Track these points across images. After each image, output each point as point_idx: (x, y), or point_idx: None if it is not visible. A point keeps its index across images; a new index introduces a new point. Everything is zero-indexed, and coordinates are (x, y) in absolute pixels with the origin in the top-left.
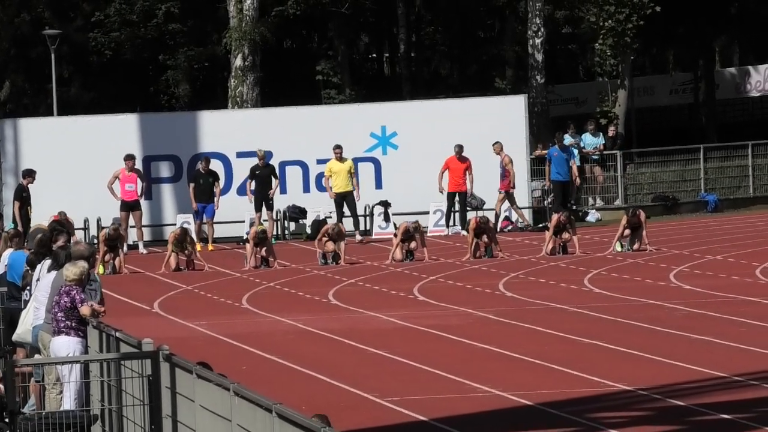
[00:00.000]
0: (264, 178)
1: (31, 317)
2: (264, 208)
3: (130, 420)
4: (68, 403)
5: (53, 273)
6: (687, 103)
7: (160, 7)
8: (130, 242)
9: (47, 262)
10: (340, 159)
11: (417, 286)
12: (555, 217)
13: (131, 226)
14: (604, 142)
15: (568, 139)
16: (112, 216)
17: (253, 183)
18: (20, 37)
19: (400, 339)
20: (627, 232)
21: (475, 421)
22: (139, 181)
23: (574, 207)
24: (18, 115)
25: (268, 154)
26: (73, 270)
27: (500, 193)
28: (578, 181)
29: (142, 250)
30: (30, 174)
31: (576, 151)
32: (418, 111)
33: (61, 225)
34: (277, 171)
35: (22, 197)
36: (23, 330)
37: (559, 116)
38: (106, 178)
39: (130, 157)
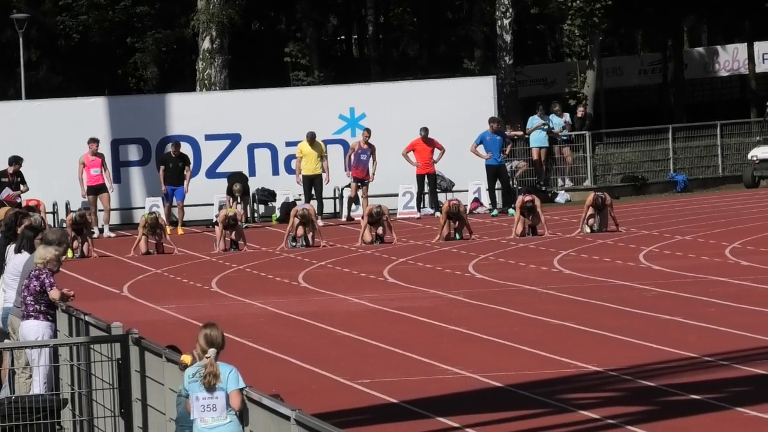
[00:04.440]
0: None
1: (1, 301)
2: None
3: (100, 404)
4: (37, 387)
5: (20, 256)
6: (656, 84)
7: None
8: (100, 226)
9: (13, 245)
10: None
11: (387, 269)
12: (520, 198)
13: (99, 210)
14: (570, 121)
15: (537, 120)
16: (81, 200)
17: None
18: None
19: (371, 321)
20: (593, 220)
21: (446, 402)
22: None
23: (543, 188)
24: None
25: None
26: (44, 254)
27: (356, 181)
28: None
29: (107, 233)
30: (17, 161)
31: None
32: (387, 93)
33: (31, 210)
34: (245, 154)
35: None
36: None
37: (528, 97)
38: (75, 162)
39: (94, 140)
